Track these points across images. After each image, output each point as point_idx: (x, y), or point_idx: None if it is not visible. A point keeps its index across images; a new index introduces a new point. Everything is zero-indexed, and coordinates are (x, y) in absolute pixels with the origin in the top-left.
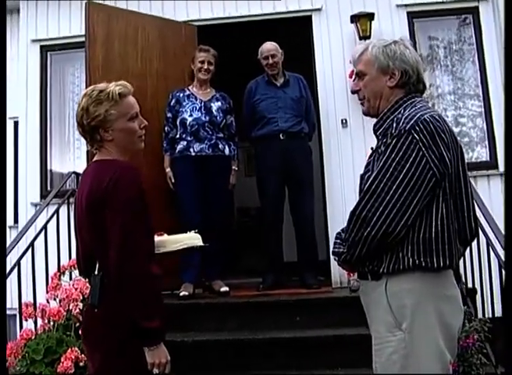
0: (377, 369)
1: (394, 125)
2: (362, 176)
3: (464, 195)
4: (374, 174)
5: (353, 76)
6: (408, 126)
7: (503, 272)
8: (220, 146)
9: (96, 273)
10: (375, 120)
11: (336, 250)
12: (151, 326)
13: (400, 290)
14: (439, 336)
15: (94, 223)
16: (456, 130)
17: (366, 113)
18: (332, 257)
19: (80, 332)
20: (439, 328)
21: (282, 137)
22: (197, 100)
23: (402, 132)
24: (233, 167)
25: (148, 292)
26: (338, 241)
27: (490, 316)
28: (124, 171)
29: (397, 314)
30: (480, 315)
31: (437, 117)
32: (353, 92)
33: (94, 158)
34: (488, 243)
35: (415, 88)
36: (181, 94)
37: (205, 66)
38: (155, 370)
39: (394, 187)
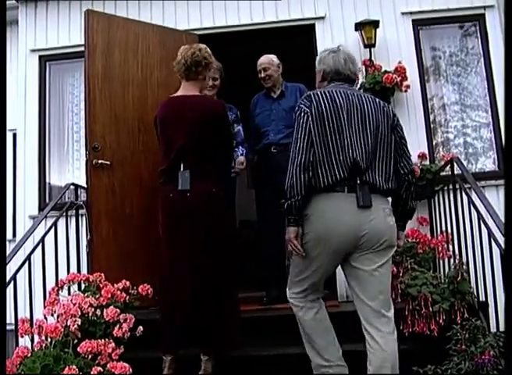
0: None
1: None
2: None
3: (344, 136)
4: None
5: None
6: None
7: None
8: None
9: (182, 169)
10: None
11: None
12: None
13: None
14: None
15: (208, 130)
16: (460, 140)
17: None
18: None
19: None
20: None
21: (273, 150)
22: None
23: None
24: (242, 160)
25: None
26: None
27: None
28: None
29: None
30: (494, 329)
31: (321, 91)
32: None
33: (190, 93)
34: (502, 254)
35: (339, 78)
36: None
37: (210, 83)
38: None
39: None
